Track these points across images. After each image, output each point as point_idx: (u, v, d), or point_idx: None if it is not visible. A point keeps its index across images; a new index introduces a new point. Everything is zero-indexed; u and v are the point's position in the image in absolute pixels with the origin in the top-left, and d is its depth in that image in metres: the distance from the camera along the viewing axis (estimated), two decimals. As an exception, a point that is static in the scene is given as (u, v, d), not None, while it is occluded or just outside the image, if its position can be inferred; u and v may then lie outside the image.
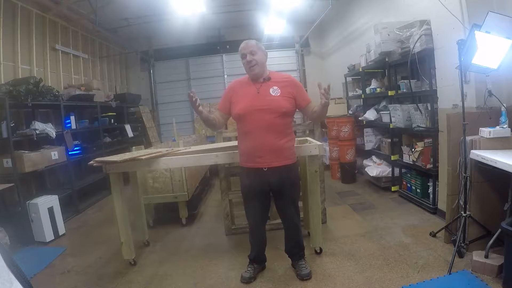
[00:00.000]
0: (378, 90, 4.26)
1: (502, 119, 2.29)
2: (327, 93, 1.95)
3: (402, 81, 3.59)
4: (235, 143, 2.73)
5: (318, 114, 2.14)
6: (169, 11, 5.05)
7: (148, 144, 6.05)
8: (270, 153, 2.07)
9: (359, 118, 4.73)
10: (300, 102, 2.17)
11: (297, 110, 2.21)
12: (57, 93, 4.11)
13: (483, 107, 2.42)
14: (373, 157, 4.53)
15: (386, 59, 3.78)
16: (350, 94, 5.36)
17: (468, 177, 2.29)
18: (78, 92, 4.69)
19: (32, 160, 3.49)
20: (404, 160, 3.69)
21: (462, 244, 2.29)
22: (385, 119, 4.06)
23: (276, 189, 2.16)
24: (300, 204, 2.71)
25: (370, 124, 4.56)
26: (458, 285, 2.00)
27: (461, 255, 2.29)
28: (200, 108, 2.01)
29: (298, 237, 2.34)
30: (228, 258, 2.67)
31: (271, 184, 2.12)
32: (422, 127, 3.25)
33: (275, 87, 2.12)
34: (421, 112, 3.24)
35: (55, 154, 3.86)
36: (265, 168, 2.08)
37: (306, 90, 2.79)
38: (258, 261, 2.38)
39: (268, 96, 2.09)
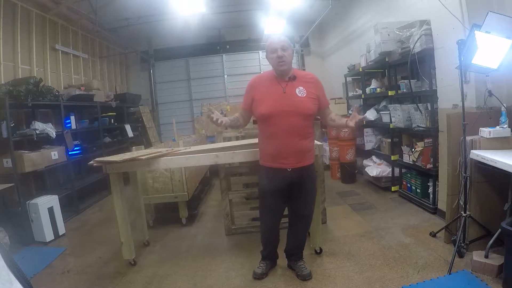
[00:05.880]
0: (378, 90, 4.26)
1: (502, 119, 2.29)
2: (358, 121, 2.10)
3: (402, 81, 3.59)
4: (235, 143, 2.74)
5: (334, 125, 2.29)
6: (169, 11, 5.05)
7: (148, 144, 6.05)
8: (295, 155, 2.04)
9: (359, 118, 4.73)
10: (320, 105, 2.15)
11: None
12: (57, 93, 4.11)
13: (483, 107, 2.42)
14: (373, 157, 4.53)
15: (386, 59, 3.78)
16: (350, 94, 5.36)
17: (468, 177, 2.29)
18: (78, 92, 4.69)
19: (32, 160, 3.49)
20: (404, 160, 3.69)
21: (462, 244, 2.29)
22: (385, 119, 4.06)
23: (297, 188, 2.12)
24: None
25: (370, 124, 4.56)
26: (458, 285, 2.00)
27: (461, 255, 2.29)
28: (220, 120, 2.01)
29: (304, 237, 2.34)
30: (228, 258, 2.67)
31: (293, 184, 2.09)
32: (422, 127, 3.25)
33: (301, 87, 2.06)
34: (421, 112, 3.24)
35: (55, 154, 3.86)
36: (289, 169, 2.05)
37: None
38: (270, 258, 2.38)
39: (294, 97, 2.03)
